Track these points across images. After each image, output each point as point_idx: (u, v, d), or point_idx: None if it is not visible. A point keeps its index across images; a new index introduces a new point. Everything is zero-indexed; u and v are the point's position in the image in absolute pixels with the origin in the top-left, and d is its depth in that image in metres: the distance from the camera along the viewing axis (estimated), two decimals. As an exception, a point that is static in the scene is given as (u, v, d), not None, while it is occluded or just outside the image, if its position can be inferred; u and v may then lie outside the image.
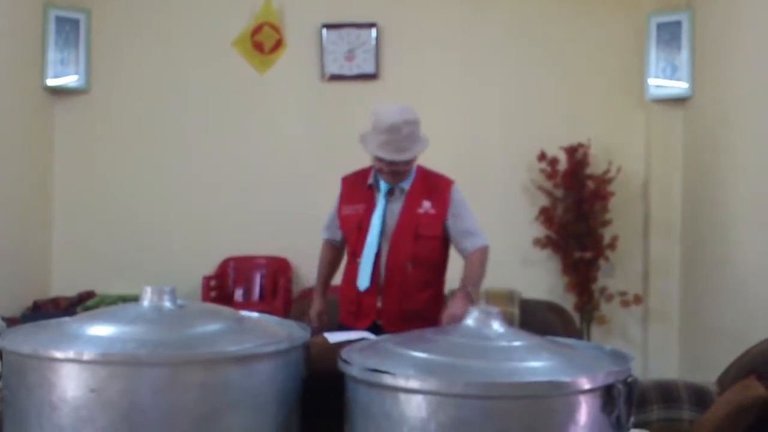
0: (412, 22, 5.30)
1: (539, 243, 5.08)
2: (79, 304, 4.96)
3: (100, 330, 1.44)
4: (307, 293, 4.71)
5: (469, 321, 1.53)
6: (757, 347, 2.86)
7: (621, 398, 1.36)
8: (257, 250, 5.30)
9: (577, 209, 4.96)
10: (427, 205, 2.96)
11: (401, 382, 1.34)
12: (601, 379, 1.36)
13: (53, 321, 1.64)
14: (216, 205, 5.35)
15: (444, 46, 5.28)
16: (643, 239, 5.17)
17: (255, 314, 1.78)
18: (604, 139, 5.13)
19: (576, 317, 4.96)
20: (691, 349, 4.84)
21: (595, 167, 5.03)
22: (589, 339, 4.87)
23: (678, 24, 4.90)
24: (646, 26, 5.04)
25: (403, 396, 1.33)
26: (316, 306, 3.15)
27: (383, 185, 2.98)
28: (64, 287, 5.25)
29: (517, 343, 1.46)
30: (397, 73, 5.28)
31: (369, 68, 5.28)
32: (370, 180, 3.02)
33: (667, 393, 2.96)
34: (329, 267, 3.23)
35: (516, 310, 4.74)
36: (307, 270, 5.14)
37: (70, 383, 1.34)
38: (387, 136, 2.81)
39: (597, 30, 5.21)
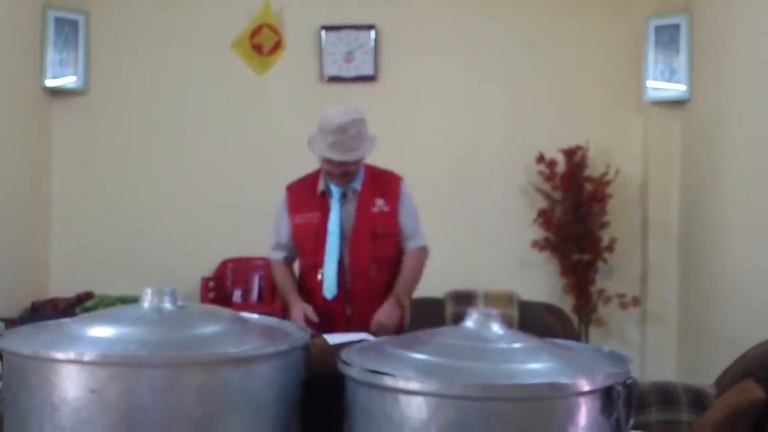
0: (411, 24, 5.31)
1: (537, 245, 5.08)
2: (78, 305, 4.95)
3: (101, 331, 1.44)
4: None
5: (469, 323, 1.53)
6: (754, 349, 2.86)
7: (620, 400, 1.37)
8: (256, 251, 5.28)
9: (575, 211, 4.97)
10: (380, 203, 2.94)
11: (401, 384, 1.34)
12: (601, 381, 1.36)
13: (53, 322, 1.64)
14: (214, 206, 5.35)
15: (442, 48, 5.29)
16: (641, 241, 5.18)
17: (255, 315, 1.78)
18: (603, 141, 5.14)
19: (574, 319, 4.96)
20: (689, 351, 4.85)
21: (594, 169, 5.04)
22: (587, 341, 4.88)
23: (676, 27, 4.91)
24: (644, 29, 5.04)
25: (403, 397, 1.33)
26: (298, 306, 2.96)
27: (335, 190, 2.94)
28: (62, 288, 5.25)
29: (516, 345, 1.46)
30: (396, 75, 5.29)
31: (368, 70, 5.29)
32: (321, 187, 2.97)
33: (665, 395, 2.96)
34: (293, 278, 3.13)
35: (515, 312, 4.76)
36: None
37: (71, 384, 1.34)
38: (334, 137, 2.80)
39: (595, 32, 5.22)
